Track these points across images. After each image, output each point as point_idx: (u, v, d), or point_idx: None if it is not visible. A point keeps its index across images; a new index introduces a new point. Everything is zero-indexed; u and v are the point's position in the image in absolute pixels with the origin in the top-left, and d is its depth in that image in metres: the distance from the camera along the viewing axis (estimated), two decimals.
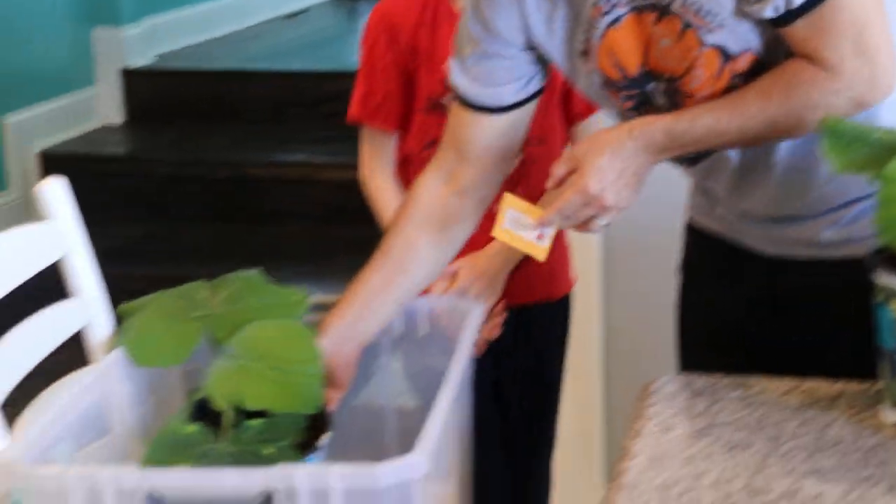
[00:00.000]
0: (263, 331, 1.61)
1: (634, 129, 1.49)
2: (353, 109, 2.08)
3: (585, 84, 1.64)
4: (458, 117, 1.67)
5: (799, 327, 1.67)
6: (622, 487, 1.20)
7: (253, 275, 1.77)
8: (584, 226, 1.53)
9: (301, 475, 1.30)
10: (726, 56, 1.51)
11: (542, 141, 2.03)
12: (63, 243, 1.78)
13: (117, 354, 1.66)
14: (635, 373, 2.56)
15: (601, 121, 2.04)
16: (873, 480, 1.25)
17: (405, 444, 1.50)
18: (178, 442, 1.52)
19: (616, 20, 1.54)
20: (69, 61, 4.33)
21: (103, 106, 4.40)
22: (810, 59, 1.47)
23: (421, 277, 1.73)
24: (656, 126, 1.50)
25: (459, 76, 1.64)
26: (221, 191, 3.97)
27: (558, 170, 1.52)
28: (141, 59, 4.46)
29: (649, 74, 1.57)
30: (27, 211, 3.77)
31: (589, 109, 2.05)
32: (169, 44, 4.71)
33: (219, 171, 4.00)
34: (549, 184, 1.55)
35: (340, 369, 1.63)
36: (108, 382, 1.64)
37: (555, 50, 1.62)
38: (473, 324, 1.71)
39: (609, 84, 1.60)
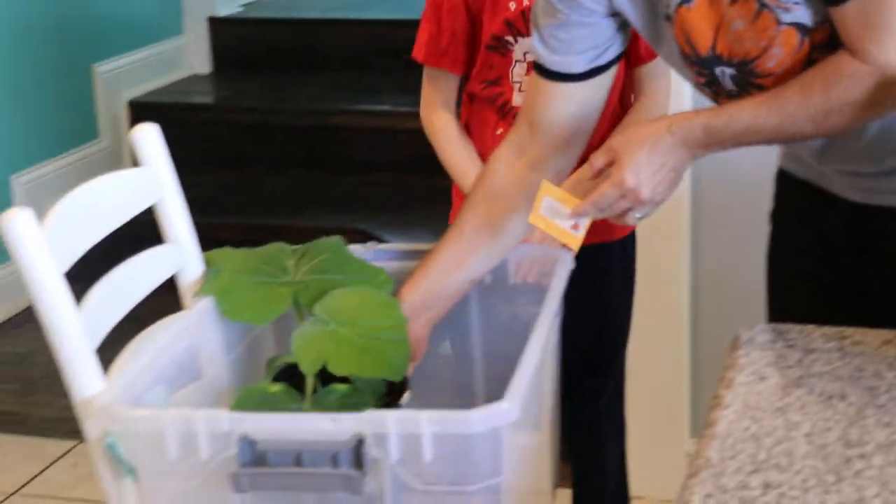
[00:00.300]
0: (350, 298, 1.64)
1: (674, 124, 1.50)
2: (420, 51, 2.09)
3: (666, 51, 1.64)
4: (535, 87, 1.68)
5: (888, 274, 1.65)
6: (714, 437, 1.20)
7: (337, 245, 1.78)
8: (619, 218, 1.54)
9: (392, 420, 1.33)
10: (804, 31, 1.49)
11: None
12: (157, 189, 1.79)
13: (209, 302, 1.70)
14: (723, 321, 2.57)
15: (662, 67, 2.02)
16: None
17: (491, 395, 1.52)
18: (263, 400, 1.57)
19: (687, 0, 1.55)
20: (158, 11, 4.38)
21: (191, 55, 4.45)
22: (854, 50, 1.46)
23: (496, 254, 1.74)
24: (696, 122, 1.50)
25: (538, 44, 1.64)
26: (305, 140, 4.00)
27: (597, 161, 1.53)
28: (227, 9, 4.52)
29: (718, 59, 1.57)
30: (115, 159, 3.88)
31: (651, 53, 2.03)
32: None
33: (303, 119, 4.03)
34: (588, 173, 1.56)
35: (413, 342, 1.66)
36: (200, 329, 1.69)
37: (638, 16, 1.61)
38: (562, 272, 1.72)
39: (684, 56, 1.60)
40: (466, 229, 1.72)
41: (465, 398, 1.81)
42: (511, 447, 1.42)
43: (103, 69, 4.08)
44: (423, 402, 1.66)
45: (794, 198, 1.75)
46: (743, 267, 2.56)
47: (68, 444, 2.98)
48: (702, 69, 1.60)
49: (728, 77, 1.58)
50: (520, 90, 2.06)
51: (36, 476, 2.89)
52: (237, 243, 1.83)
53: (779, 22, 1.49)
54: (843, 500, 1.11)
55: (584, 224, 1.50)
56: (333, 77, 4.25)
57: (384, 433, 1.33)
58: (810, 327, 1.46)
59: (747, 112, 1.48)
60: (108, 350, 1.59)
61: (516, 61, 2.05)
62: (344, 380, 1.60)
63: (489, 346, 1.85)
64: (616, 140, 1.56)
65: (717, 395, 1.35)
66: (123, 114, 4.13)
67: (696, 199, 2.71)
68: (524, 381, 1.40)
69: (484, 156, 2.06)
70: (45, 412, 3.02)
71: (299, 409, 1.57)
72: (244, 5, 4.62)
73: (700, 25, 1.54)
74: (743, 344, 1.48)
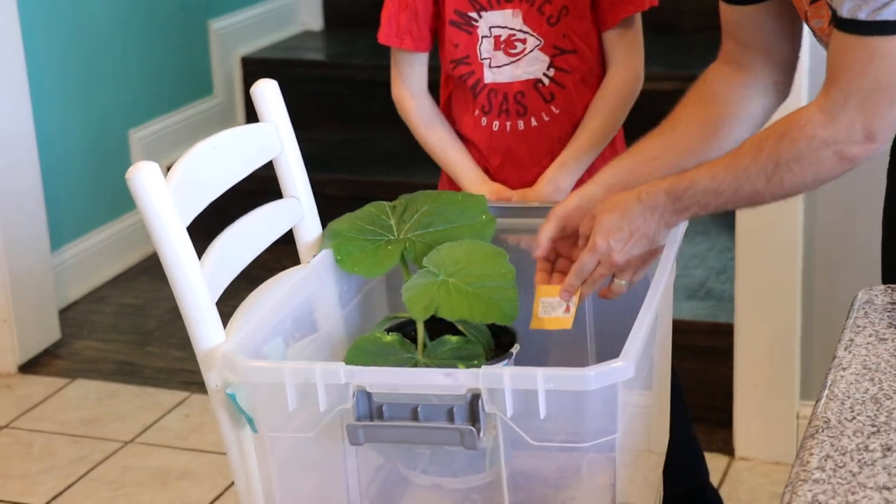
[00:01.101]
0: (456, 251, 1.66)
1: (643, 191, 1.57)
2: (382, 31, 2.07)
3: None
4: (724, 10, 1.74)
5: None
6: (833, 398, 1.19)
7: (434, 195, 1.81)
8: (608, 290, 1.63)
9: (508, 376, 1.33)
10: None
11: (576, 49, 2.01)
12: (277, 144, 1.82)
13: (325, 256, 1.73)
14: (836, 282, 2.55)
15: (630, 29, 2.02)
16: None
17: (601, 351, 1.62)
18: (377, 349, 1.60)
19: None
20: None
21: (303, 13, 4.49)
22: (823, 88, 1.49)
23: (707, 151, 1.75)
24: (660, 187, 1.56)
25: None
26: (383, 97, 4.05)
27: (584, 228, 1.61)
28: None
29: None
30: (229, 114, 3.93)
31: (616, 18, 2.00)
32: None
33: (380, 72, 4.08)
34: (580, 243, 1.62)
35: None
36: (316, 283, 1.72)
37: None
38: (676, 237, 1.71)
39: None
40: (680, 122, 1.75)
41: (573, 354, 1.81)
42: (625, 405, 1.41)
43: (218, 25, 4.11)
44: (530, 357, 1.70)
45: None
46: (858, 225, 2.54)
47: (182, 395, 3.05)
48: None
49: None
50: (490, 66, 2.04)
51: (150, 426, 2.95)
52: (351, 199, 1.85)
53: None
54: None
55: (574, 302, 1.58)
56: None
57: (500, 389, 1.34)
58: None
59: (705, 173, 1.53)
60: (221, 304, 1.62)
61: (483, 37, 2.02)
62: (455, 332, 1.62)
63: (599, 302, 1.80)
64: (597, 207, 1.62)
65: (836, 356, 1.33)
66: (237, 70, 4.18)
67: None
68: (639, 339, 1.39)
69: (465, 136, 2.07)
70: (158, 363, 3.10)
71: (412, 359, 1.60)
72: None
73: None
74: (861, 304, 1.47)
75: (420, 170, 3.54)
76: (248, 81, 3.99)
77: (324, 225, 1.83)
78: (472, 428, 1.36)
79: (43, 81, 3.45)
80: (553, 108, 2.03)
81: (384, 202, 1.78)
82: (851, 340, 1.37)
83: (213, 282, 1.59)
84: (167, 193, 1.53)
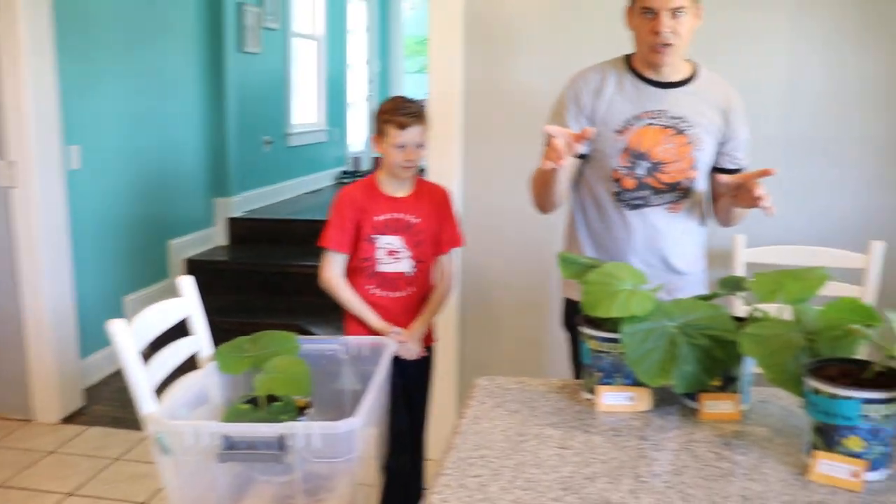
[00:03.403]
0: (279, 361, 1.79)
1: None
2: (327, 241, 2.18)
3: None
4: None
5: None
6: None
7: (278, 332, 1.89)
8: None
9: (298, 426, 1.52)
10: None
11: (426, 261, 2.25)
12: (189, 308, 1.94)
13: (212, 365, 1.85)
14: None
15: (451, 254, 2.24)
16: None
17: (354, 410, 1.62)
18: (239, 414, 1.72)
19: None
20: (202, 213, 4.90)
21: (218, 236, 5.01)
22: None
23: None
24: None
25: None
26: (273, 279, 4.47)
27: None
28: (239, 212, 5.10)
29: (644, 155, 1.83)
30: (175, 291, 4.32)
31: (447, 249, 2.24)
32: (253, 203, 5.37)
33: (272, 268, 4.52)
34: None
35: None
36: (208, 378, 1.83)
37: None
38: (387, 353, 1.92)
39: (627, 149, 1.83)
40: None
41: (342, 412, 1.89)
42: (359, 438, 1.57)
43: (174, 242, 4.55)
44: (320, 412, 1.82)
45: None
46: None
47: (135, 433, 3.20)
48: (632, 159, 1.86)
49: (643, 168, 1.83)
50: (381, 263, 2.19)
51: (132, 448, 3.16)
52: (236, 332, 1.93)
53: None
54: None
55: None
56: (294, 247, 4.77)
57: (295, 433, 1.52)
58: None
59: None
60: (162, 389, 1.70)
61: (378, 248, 2.20)
62: (278, 399, 1.73)
63: (354, 386, 1.99)
64: None
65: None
66: (181, 265, 4.56)
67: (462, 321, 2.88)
68: (366, 406, 1.60)
69: (363, 297, 2.21)
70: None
71: (258, 417, 1.68)
72: (248, 210, 5.19)
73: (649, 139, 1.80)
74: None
75: (273, 316, 3.94)
76: (189, 272, 4.34)
77: (216, 346, 1.90)
78: (281, 453, 1.53)
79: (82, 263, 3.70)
80: (413, 287, 2.25)
81: (244, 336, 1.87)
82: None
83: (152, 378, 1.69)
84: (129, 334, 1.64)
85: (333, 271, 2.20)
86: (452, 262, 2.29)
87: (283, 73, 5.89)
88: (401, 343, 2.16)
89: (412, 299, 2.23)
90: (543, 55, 2.76)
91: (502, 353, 2.87)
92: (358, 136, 7.74)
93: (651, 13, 1.80)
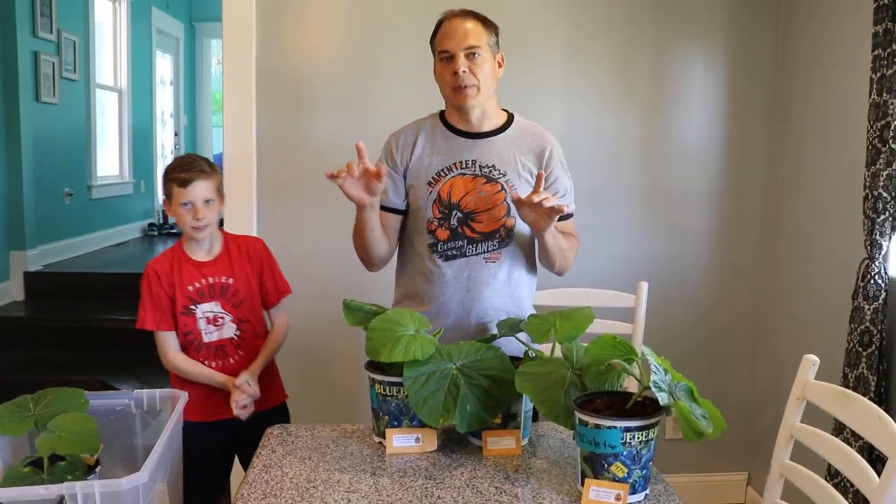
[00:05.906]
0: (65, 418, 1.70)
1: None
2: (149, 323, 2.07)
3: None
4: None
5: None
6: None
7: (66, 389, 1.80)
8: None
9: (78, 486, 1.47)
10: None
11: (249, 320, 2.15)
12: None
13: None
14: None
15: (281, 303, 2.16)
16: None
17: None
18: (19, 476, 1.64)
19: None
20: None
21: (13, 290, 4.77)
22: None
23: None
24: None
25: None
26: (76, 335, 4.28)
27: None
28: (35, 267, 4.86)
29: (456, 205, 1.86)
30: None
31: (275, 302, 2.16)
32: (53, 257, 5.15)
33: (74, 322, 4.33)
34: None
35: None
36: None
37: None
38: (179, 407, 1.85)
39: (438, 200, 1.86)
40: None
41: (136, 468, 1.71)
42: (146, 494, 1.53)
43: None
44: (113, 469, 1.78)
45: None
46: None
47: None
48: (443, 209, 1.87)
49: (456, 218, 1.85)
50: (206, 335, 2.10)
51: None
52: (35, 391, 1.80)
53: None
54: None
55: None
56: (97, 301, 4.62)
57: (74, 493, 1.47)
58: None
59: None
60: None
61: (199, 318, 2.10)
62: (64, 458, 1.66)
63: (148, 441, 1.91)
64: None
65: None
66: None
67: None
68: (153, 460, 1.57)
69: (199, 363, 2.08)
70: None
71: (41, 479, 1.59)
72: (45, 264, 4.98)
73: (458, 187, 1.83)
74: None
75: (74, 375, 3.76)
76: None
77: None
78: None
79: None
80: (240, 350, 2.13)
81: (29, 395, 1.76)
82: None
83: None
84: None
85: (171, 350, 2.09)
86: (284, 309, 2.21)
87: (85, 125, 5.67)
88: (237, 387, 2.05)
89: (243, 363, 2.14)
90: (334, 109, 2.80)
91: (320, 401, 2.85)
92: None
93: (448, 55, 1.87)
